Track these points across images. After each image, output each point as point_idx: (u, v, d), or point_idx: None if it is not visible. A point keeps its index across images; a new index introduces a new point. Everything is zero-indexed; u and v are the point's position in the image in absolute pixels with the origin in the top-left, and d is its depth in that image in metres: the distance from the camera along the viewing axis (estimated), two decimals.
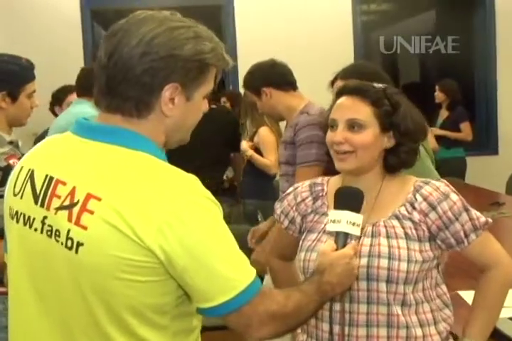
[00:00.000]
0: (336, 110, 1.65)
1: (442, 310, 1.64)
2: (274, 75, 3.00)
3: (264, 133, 4.38)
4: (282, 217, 1.78)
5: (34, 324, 1.25)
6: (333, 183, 1.72)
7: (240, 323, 1.22)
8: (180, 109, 1.22)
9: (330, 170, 1.76)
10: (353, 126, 1.60)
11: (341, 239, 1.48)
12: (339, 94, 1.68)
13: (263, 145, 4.29)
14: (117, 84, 1.18)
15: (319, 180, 1.77)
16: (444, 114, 6.09)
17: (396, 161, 1.64)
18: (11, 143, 2.25)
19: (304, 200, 1.73)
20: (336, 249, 1.46)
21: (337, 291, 1.42)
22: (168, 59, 1.18)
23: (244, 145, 4.36)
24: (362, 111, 1.60)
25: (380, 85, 1.66)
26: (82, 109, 3.18)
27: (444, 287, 1.68)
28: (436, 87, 6.06)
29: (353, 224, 1.48)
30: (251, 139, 4.47)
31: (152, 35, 1.18)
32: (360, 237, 1.58)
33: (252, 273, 1.20)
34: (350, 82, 1.68)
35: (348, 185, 1.62)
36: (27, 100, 2.34)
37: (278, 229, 1.84)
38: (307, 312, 1.33)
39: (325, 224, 1.66)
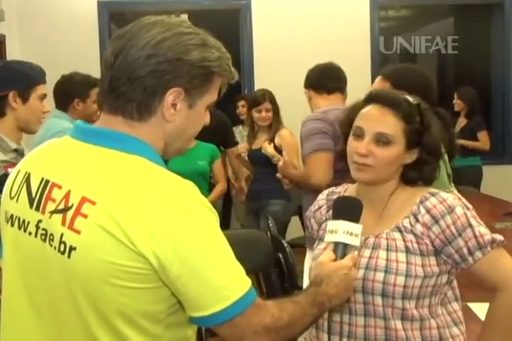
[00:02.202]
0: (363, 119, 1.59)
1: (451, 327, 1.59)
2: (311, 78, 3.28)
3: (288, 136, 4.39)
4: (307, 222, 1.79)
5: (25, 327, 1.24)
6: (349, 192, 1.70)
7: (233, 334, 1.19)
8: (182, 116, 1.21)
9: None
10: (381, 140, 1.55)
11: (340, 249, 1.44)
12: (368, 100, 1.61)
13: (289, 148, 4.25)
14: (121, 84, 1.17)
15: (339, 188, 1.75)
16: (462, 122, 6.04)
17: (417, 176, 1.61)
18: (15, 151, 2.24)
19: (320, 208, 1.73)
20: (335, 260, 1.42)
21: (334, 303, 1.38)
22: (174, 62, 1.17)
23: (270, 149, 4.28)
24: (392, 125, 1.55)
25: (414, 99, 1.59)
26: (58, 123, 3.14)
27: (455, 305, 1.62)
28: (455, 95, 6.02)
29: (351, 234, 1.44)
30: (271, 140, 4.43)
31: (160, 38, 1.17)
32: (361, 248, 1.56)
33: (246, 283, 1.17)
34: (383, 91, 1.63)
35: (347, 195, 1.59)
36: (38, 103, 2.34)
37: None
38: (302, 325, 1.29)
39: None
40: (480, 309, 2.15)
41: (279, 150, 4.19)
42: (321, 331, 1.61)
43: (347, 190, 1.73)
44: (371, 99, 1.61)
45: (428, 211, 1.55)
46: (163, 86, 1.17)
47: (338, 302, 1.40)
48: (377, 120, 1.56)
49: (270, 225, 3.78)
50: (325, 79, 3.21)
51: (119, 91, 1.18)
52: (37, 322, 1.22)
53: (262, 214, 4.31)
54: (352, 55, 5.78)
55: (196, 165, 4.23)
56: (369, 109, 1.59)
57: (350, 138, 1.60)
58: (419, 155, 1.59)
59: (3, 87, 2.25)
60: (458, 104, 5.97)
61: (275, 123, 4.48)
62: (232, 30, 6.18)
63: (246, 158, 4.82)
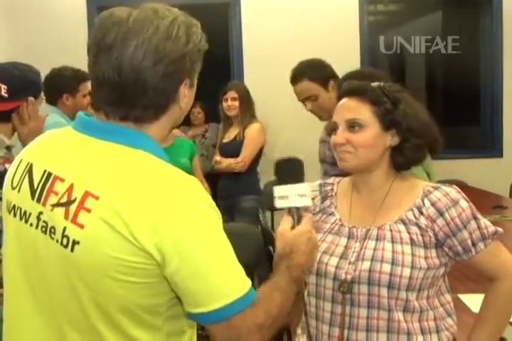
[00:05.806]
0: (336, 113, 1.65)
1: (445, 318, 1.61)
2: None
3: (254, 129, 4.30)
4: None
5: (27, 318, 1.24)
6: (343, 184, 1.72)
7: (228, 334, 1.18)
8: (188, 97, 1.25)
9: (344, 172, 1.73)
10: (353, 125, 1.59)
11: (295, 213, 1.42)
12: (339, 97, 1.68)
13: (247, 140, 4.23)
14: (136, 96, 1.17)
15: (331, 179, 1.77)
16: None
17: (402, 159, 1.63)
18: (7, 147, 2.22)
19: (313, 199, 1.70)
20: (293, 226, 1.40)
21: (306, 271, 1.38)
22: (178, 61, 1.19)
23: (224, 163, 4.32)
24: (361, 110, 1.60)
25: (378, 83, 1.64)
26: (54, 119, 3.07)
27: (447, 296, 1.64)
28: None
29: (301, 195, 1.42)
30: (241, 134, 4.37)
31: (155, 43, 1.16)
32: (364, 239, 1.57)
33: (247, 283, 1.18)
34: (349, 84, 1.68)
35: (286, 158, 1.62)
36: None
37: None
38: (287, 308, 1.27)
39: (331, 224, 1.66)
40: (471, 300, 2.18)
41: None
42: (321, 322, 1.61)
43: (340, 182, 1.74)
44: (341, 95, 1.68)
45: (433, 204, 1.57)
46: (175, 84, 1.21)
47: (309, 268, 1.42)
48: (347, 109, 1.63)
49: (261, 218, 3.79)
50: None
51: (134, 102, 1.18)
52: (38, 311, 1.22)
53: (236, 211, 4.18)
54: (341, 48, 5.78)
55: (179, 163, 4.16)
56: (340, 103, 1.66)
57: (332, 134, 1.65)
58: (400, 137, 1.61)
59: (16, 97, 2.21)
60: None
61: (244, 116, 4.34)
62: (221, 24, 6.16)
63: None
